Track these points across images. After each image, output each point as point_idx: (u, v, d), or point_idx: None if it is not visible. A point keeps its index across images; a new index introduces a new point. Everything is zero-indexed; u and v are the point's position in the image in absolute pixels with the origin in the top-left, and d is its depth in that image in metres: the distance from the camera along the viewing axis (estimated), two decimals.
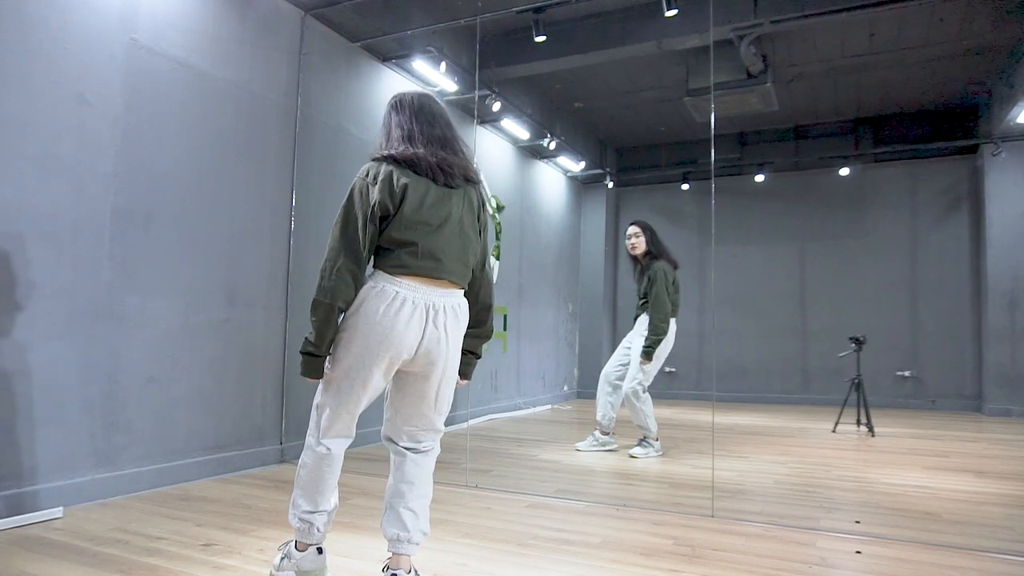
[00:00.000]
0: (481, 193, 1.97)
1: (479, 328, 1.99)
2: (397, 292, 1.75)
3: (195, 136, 3.38)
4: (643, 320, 4.27)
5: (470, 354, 2.00)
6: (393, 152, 1.81)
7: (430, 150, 1.84)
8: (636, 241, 4.31)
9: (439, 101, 2.00)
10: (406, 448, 1.91)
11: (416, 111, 1.91)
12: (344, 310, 1.77)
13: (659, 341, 4.12)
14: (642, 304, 4.29)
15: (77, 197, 2.83)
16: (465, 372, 2.01)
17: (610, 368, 4.39)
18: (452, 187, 1.85)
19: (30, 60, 2.67)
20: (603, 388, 4.38)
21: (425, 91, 2.03)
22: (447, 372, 1.87)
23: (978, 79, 6.07)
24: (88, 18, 2.89)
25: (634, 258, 4.40)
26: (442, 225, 1.81)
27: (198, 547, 2.29)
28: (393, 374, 1.85)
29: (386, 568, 1.85)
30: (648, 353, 4.11)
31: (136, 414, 3.05)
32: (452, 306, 1.84)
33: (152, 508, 2.78)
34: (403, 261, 1.76)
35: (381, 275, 1.78)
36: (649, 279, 4.21)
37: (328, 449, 1.85)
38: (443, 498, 3.02)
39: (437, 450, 1.96)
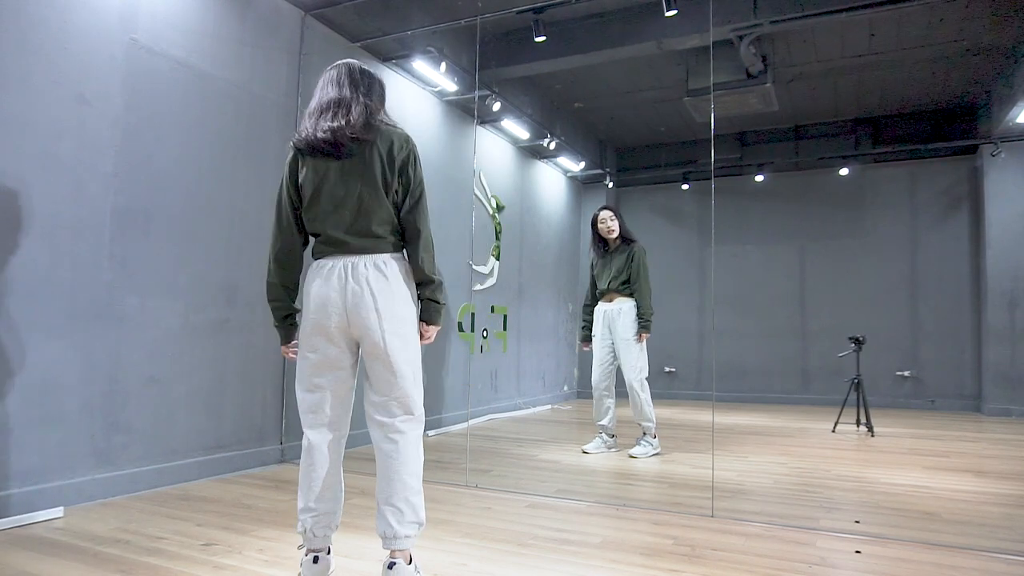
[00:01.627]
0: (388, 144, 1.90)
1: (417, 273, 1.95)
2: (321, 263, 1.92)
3: (195, 136, 3.38)
4: (621, 307, 4.26)
5: (428, 300, 1.98)
6: (296, 136, 1.94)
7: (318, 122, 1.89)
8: (613, 225, 4.40)
9: (360, 67, 2.00)
10: (382, 442, 1.88)
11: (327, 80, 1.97)
12: (290, 288, 1.99)
13: (652, 314, 4.26)
14: (620, 284, 4.30)
15: (77, 197, 2.83)
16: (426, 317, 1.98)
17: (599, 377, 4.36)
18: (341, 157, 1.88)
19: (30, 60, 2.67)
20: (603, 396, 4.35)
21: (351, 60, 2.02)
22: (387, 327, 1.85)
23: (978, 79, 6.08)
24: (88, 18, 2.89)
25: (604, 241, 4.47)
26: (339, 207, 1.88)
27: (198, 547, 2.29)
28: (346, 344, 1.89)
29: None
30: (648, 325, 4.23)
31: (136, 414, 3.05)
32: (373, 264, 1.88)
33: (152, 508, 2.78)
34: (321, 249, 1.93)
35: (313, 262, 1.96)
36: (631, 258, 4.30)
37: (309, 440, 1.90)
38: (443, 498, 3.02)
39: (411, 441, 1.89)
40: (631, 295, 4.28)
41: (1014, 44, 5.34)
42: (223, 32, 3.55)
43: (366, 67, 2.04)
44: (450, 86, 5.15)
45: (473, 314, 5.79)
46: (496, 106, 5.52)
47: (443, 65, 4.83)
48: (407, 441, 1.88)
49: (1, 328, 2.56)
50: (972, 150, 6.85)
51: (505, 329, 6.37)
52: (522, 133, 6.41)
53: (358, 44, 4.46)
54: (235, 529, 2.50)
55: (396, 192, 1.92)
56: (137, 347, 3.06)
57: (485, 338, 6.01)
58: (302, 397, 1.92)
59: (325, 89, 1.96)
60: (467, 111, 5.70)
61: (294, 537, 2.40)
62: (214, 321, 3.45)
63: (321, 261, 1.91)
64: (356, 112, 1.90)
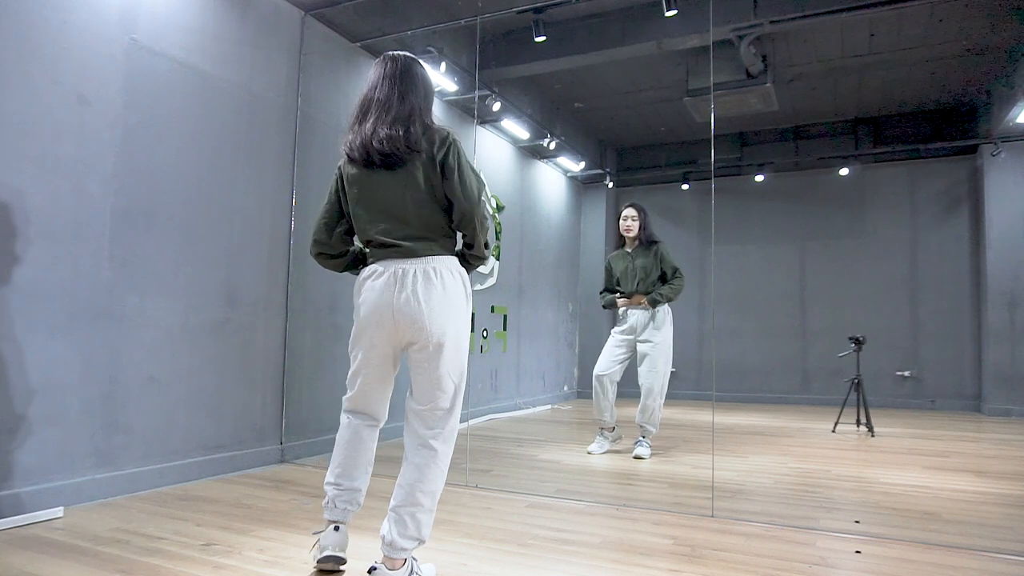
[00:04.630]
0: (433, 157, 1.88)
1: (467, 249, 2.02)
2: (373, 268, 1.94)
3: (195, 136, 3.38)
4: (654, 313, 4.24)
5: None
6: (347, 142, 1.94)
7: (377, 127, 1.87)
8: (632, 224, 4.34)
9: (415, 63, 2.01)
10: (412, 452, 1.90)
11: (381, 77, 1.96)
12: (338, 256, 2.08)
13: (668, 300, 4.29)
14: (651, 285, 4.26)
15: (77, 197, 2.83)
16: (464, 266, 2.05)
17: (606, 365, 4.28)
18: (392, 168, 1.88)
19: (30, 60, 2.67)
20: (607, 389, 4.28)
21: (408, 54, 2.02)
22: (435, 339, 1.85)
23: (978, 79, 6.08)
24: (88, 18, 2.89)
25: (622, 239, 4.43)
26: (387, 214, 1.90)
27: (198, 547, 2.29)
28: (391, 349, 1.94)
29: None
30: (657, 300, 4.23)
31: (136, 414, 3.05)
32: (423, 271, 1.87)
33: (152, 508, 2.78)
34: (372, 254, 1.97)
35: (364, 268, 2.01)
36: (658, 256, 4.28)
37: (346, 419, 2.04)
38: (443, 498, 3.01)
39: (439, 461, 1.88)
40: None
41: (1014, 44, 5.34)
42: (223, 32, 3.55)
43: (422, 64, 2.03)
44: (450, 86, 5.15)
45: (473, 314, 5.78)
46: (496, 106, 5.52)
47: (443, 65, 4.84)
48: (435, 459, 1.88)
49: (1, 328, 2.56)
50: (972, 150, 6.85)
51: (505, 329, 6.37)
52: (522, 133, 6.40)
53: (358, 44, 4.46)
54: (235, 529, 2.50)
55: (441, 188, 1.90)
56: (137, 347, 3.06)
57: (485, 338, 6.01)
58: (351, 390, 2.02)
59: (381, 84, 1.94)
60: (467, 111, 5.70)
61: (294, 537, 2.41)
62: (214, 321, 3.45)
63: (373, 266, 1.92)
64: (415, 123, 1.90)
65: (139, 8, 3.11)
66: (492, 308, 6.16)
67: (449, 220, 1.94)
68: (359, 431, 2.02)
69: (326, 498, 2.01)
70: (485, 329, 6.01)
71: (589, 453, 4.25)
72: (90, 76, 2.89)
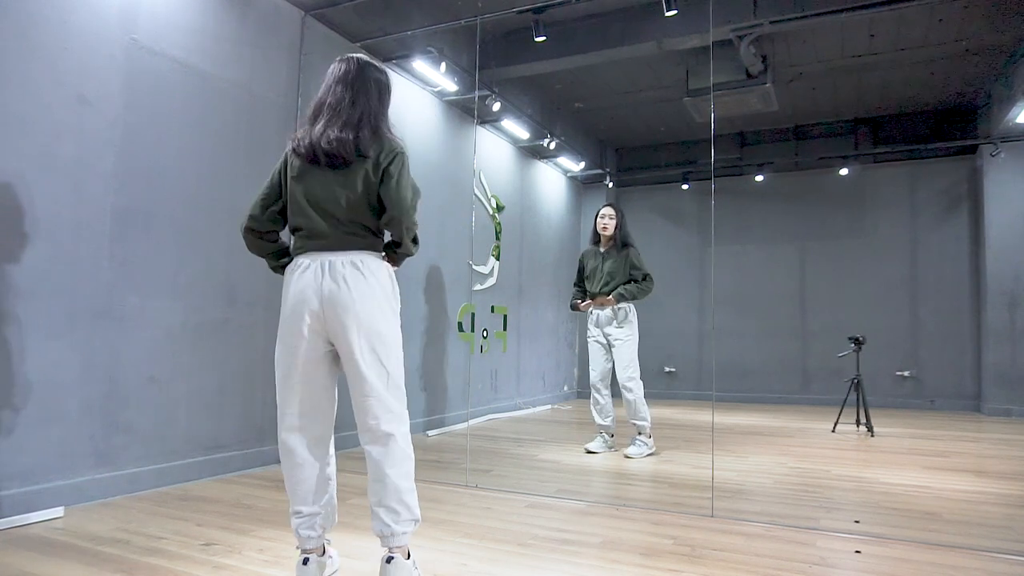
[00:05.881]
0: (378, 163, 1.88)
1: (395, 246, 1.98)
2: (299, 260, 1.92)
3: (195, 136, 3.38)
4: (620, 310, 4.29)
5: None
6: (296, 138, 1.93)
7: (327, 130, 1.88)
8: (610, 222, 4.40)
9: (370, 66, 2.00)
10: (368, 445, 1.87)
11: (335, 80, 1.96)
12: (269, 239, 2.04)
13: (633, 298, 4.31)
14: (612, 289, 4.31)
15: (77, 197, 2.83)
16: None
17: (597, 376, 4.39)
18: (335, 167, 1.89)
19: (30, 60, 2.67)
20: (603, 394, 4.37)
21: (363, 56, 2.02)
22: (361, 327, 1.82)
23: (978, 79, 6.08)
24: (88, 18, 2.89)
25: (598, 237, 4.47)
26: (319, 207, 1.88)
27: (198, 547, 2.29)
28: (321, 342, 1.87)
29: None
30: (622, 297, 4.28)
31: (136, 414, 3.05)
32: (351, 261, 1.86)
33: (152, 508, 2.78)
34: (299, 244, 1.93)
35: (293, 259, 1.96)
36: (627, 261, 4.35)
37: (284, 442, 1.90)
38: (443, 498, 3.02)
39: (398, 443, 1.86)
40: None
41: (1014, 44, 5.34)
42: (223, 32, 3.55)
43: (377, 66, 2.03)
44: (450, 86, 5.15)
45: (473, 314, 5.79)
46: (496, 106, 5.51)
47: (443, 65, 4.83)
48: (394, 443, 1.85)
49: (1, 328, 2.56)
50: (972, 150, 6.85)
51: (505, 329, 6.36)
52: (522, 133, 6.40)
53: (358, 44, 4.46)
54: (235, 529, 2.50)
55: (376, 191, 1.89)
56: (137, 347, 3.06)
57: (485, 338, 6.01)
58: (283, 406, 1.91)
59: (334, 87, 1.95)
60: (467, 111, 5.70)
61: (294, 537, 2.40)
62: (214, 321, 3.45)
63: (299, 259, 1.91)
64: (364, 128, 1.89)
65: (139, 8, 3.11)
66: (492, 308, 6.15)
67: (378, 221, 1.93)
68: (298, 451, 1.88)
69: (293, 528, 1.92)
70: (485, 329, 6.01)
71: (589, 451, 4.26)
72: (90, 76, 2.89)
